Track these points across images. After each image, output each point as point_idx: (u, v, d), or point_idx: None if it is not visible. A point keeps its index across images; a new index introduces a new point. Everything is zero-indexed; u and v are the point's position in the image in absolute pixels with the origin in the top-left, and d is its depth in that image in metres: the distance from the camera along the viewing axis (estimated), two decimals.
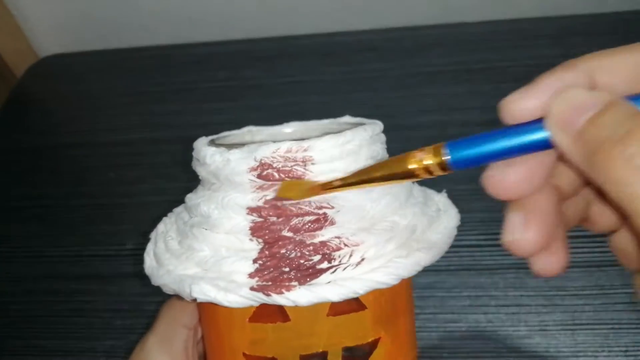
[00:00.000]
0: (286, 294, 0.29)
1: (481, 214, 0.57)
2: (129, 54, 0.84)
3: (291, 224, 0.31)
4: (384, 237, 0.31)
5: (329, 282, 0.30)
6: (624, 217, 0.28)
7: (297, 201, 0.31)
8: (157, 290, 0.34)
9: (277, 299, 0.29)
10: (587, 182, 0.27)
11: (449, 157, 0.24)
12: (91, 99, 0.80)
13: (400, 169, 0.25)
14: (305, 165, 0.31)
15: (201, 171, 0.35)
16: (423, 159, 0.24)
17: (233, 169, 0.32)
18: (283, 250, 0.31)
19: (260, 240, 0.31)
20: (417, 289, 0.54)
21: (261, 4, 0.81)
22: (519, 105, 0.23)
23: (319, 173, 0.31)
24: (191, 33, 0.83)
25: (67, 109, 0.79)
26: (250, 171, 0.32)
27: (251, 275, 0.30)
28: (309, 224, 0.31)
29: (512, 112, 0.23)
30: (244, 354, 0.33)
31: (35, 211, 0.67)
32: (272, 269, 0.30)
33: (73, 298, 0.59)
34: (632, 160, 0.19)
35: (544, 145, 0.22)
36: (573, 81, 0.23)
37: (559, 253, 0.26)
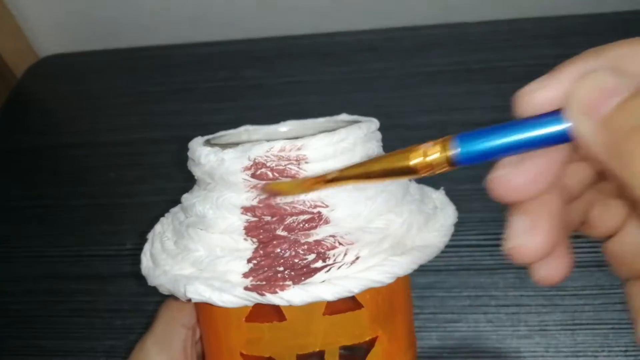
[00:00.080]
0: (280, 293, 0.29)
1: (481, 214, 0.57)
2: (129, 54, 0.84)
3: (285, 223, 0.31)
4: (379, 235, 0.31)
5: (323, 281, 0.30)
6: (627, 217, 0.26)
7: (291, 200, 0.31)
8: (157, 290, 0.34)
9: (271, 298, 0.29)
10: (594, 182, 0.26)
11: (458, 150, 0.22)
12: (91, 99, 0.80)
13: (402, 164, 0.23)
14: (299, 164, 0.31)
15: (196, 171, 0.35)
16: (428, 153, 0.23)
17: (227, 169, 0.32)
18: (277, 250, 0.31)
19: (254, 239, 0.31)
20: (416, 289, 0.54)
21: (261, 3, 0.80)
22: (537, 95, 0.21)
23: (312, 172, 0.31)
24: (191, 33, 0.83)
25: (67, 109, 0.79)
26: (244, 170, 0.32)
27: (245, 275, 0.30)
28: (304, 223, 0.31)
29: (530, 103, 0.22)
30: (241, 354, 0.33)
31: (35, 211, 0.67)
32: (266, 269, 0.30)
33: (73, 298, 0.59)
34: None
35: (561, 139, 0.21)
36: (598, 69, 0.20)
37: (563, 259, 0.24)
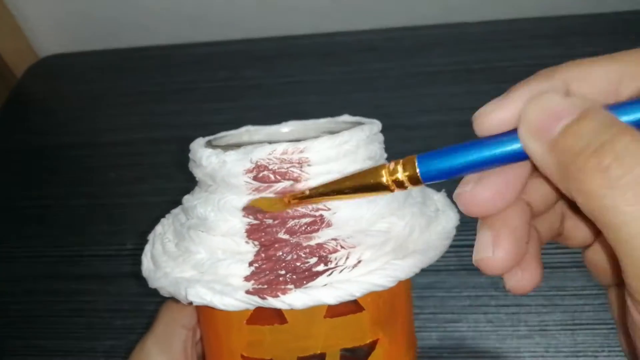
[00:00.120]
0: (282, 297, 0.29)
1: None
2: (129, 54, 0.84)
3: (287, 226, 0.31)
4: (380, 238, 0.31)
5: (325, 285, 0.30)
6: (597, 230, 0.27)
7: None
8: (157, 290, 0.34)
9: (272, 302, 0.29)
10: (561, 196, 0.26)
11: (420, 170, 0.23)
12: (91, 99, 0.80)
13: (372, 180, 0.25)
14: (301, 167, 0.31)
15: (198, 173, 0.35)
16: (395, 172, 0.24)
17: (229, 171, 0.32)
18: (279, 253, 0.31)
19: (256, 242, 0.31)
20: (416, 289, 0.54)
21: (261, 3, 0.80)
22: (492, 116, 0.22)
23: (315, 174, 0.31)
24: (191, 33, 0.83)
25: (67, 109, 0.79)
26: (246, 173, 0.31)
27: (247, 279, 0.30)
28: (305, 226, 0.31)
29: (485, 124, 0.22)
30: (242, 356, 0.33)
31: (35, 211, 0.67)
32: (267, 272, 0.30)
33: (73, 298, 0.59)
34: (607, 172, 0.18)
35: (518, 156, 0.22)
36: (549, 91, 0.21)
37: (532, 270, 0.25)
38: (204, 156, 0.33)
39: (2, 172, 0.72)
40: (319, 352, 0.32)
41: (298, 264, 0.30)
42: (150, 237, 0.38)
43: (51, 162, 0.72)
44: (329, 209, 0.31)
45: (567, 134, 0.20)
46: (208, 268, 0.31)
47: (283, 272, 0.30)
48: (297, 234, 0.31)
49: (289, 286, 0.30)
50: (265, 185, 0.31)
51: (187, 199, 0.36)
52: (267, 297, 0.29)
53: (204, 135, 0.38)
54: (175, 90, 0.77)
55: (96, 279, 0.60)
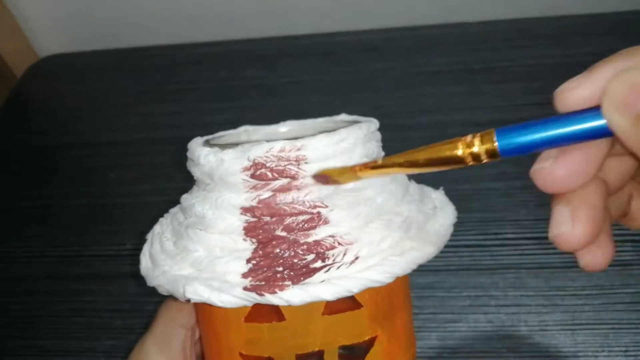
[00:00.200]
0: (279, 293, 0.29)
1: (481, 214, 0.57)
2: (129, 54, 0.84)
3: (285, 223, 0.31)
4: (378, 235, 0.31)
5: (322, 281, 0.30)
6: None
7: (291, 200, 0.31)
8: (156, 289, 0.34)
9: (270, 298, 0.29)
10: (634, 175, 0.27)
11: (496, 143, 0.23)
12: (91, 99, 0.80)
13: (448, 153, 0.24)
14: (298, 165, 0.31)
15: (195, 172, 0.35)
16: (472, 145, 0.24)
17: (227, 169, 0.32)
18: (277, 250, 0.31)
19: (253, 240, 0.31)
20: (416, 289, 0.54)
21: (261, 3, 0.80)
22: (574, 93, 0.22)
23: (312, 172, 0.31)
24: (192, 33, 0.83)
25: (67, 109, 0.79)
26: (243, 171, 0.32)
27: (244, 275, 0.30)
28: (303, 223, 0.31)
29: (567, 100, 0.22)
30: (241, 354, 0.33)
31: (35, 211, 0.67)
32: (265, 269, 0.30)
33: (73, 298, 0.59)
34: None
35: (599, 133, 0.21)
36: (633, 67, 0.21)
37: (606, 247, 0.25)
38: (202, 155, 0.33)
39: (2, 172, 0.72)
40: (317, 349, 0.32)
41: (295, 260, 0.30)
42: (149, 236, 0.38)
43: (51, 162, 0.72)
44: (326, 206, 0.31)
45: None
46: (206, 265, 0.32)
47: (280, 268, 0.30)
48: (295, 231, 0.31)
49: (287, 283, 0.30)
50: (263, 182, 0.31)
51: (185, 197, 0.36)
52: (265, 294, 0.29)
53: (204, 135, 0.38)
54: (175, 90, 0.77)
55: (96, 279, 0.60)
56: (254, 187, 0.32)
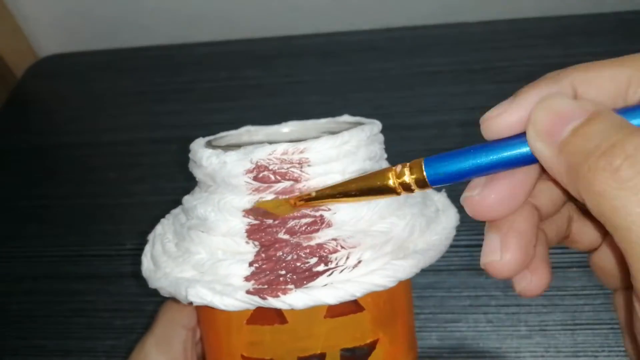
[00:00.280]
0: (282, 297, 0.29)
1: None
2: (129, 54, 0.84)
3: (287, 226, 0.31)
4: (381, 239, 0.31)
5: (325, 285, 0.30)
6: (604, 233, 0.27)
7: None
8: (157, 290, 0.34)
9: (273, 302, 0.29)
10: (569, 198, 0.26)
11: (427, 173, 0.23)
12: (91, 99, 0.80)
13: (379, 183, 0.25)
14: (301, 167, 0.31)
15: (198, 173, 0.35)
16: (402, 175, 0.24)
17: (229, 172, 0.32)
18: (279, 253, 0.31)
19: (256, 242, 0.31)
20: (416, 289, 0.54)
21: (261, 3, 0.80)
22: (500, 120, 0.22)
23: (315, 175, 0.31)
24: (192, 33, 0.83)
25: (67, 108, 0.79)
26: (246, 173, 0.31)
27: (247, 279, 0.30)
28: (306, 226, 0.31)
29: (493, 127, 0.22)
30: (242, 356, 0.33)
31: (35, 211, 0.67)
32: (268, 272, 0.30)
33: (73, 298, 0.59)
34: (617, 173, 0.18)
35: (526, 160, 0.22)
36: (556, 93, 0.21)
37: (540, 273, 0.25)
38: (204, 156, 0.33)
39: (2, 172, 0.72)
40: (319, 352, 0.32)
41: (298, 264, 0.30)
42: (150, 237, 0.38)
43: (51, 162, 0.72)
44: (329, 209, 0.31)
45: (576, 135, 0.20)
46: (208, 268, 0.31)
47: (283, 272, 0.30)
48: (298, 234, 0.31)
49: (290, 286, 0.30)
50: (266, 185, 0.31)
51: (187, 199, 0.36)
52: (268, 297, 0.29)
53: (204, 135, 0.38)
54: (175, 90, 0.77)
55: (96, 279, 0.60)
56: (257, 190, 0.32)
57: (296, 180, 0.31)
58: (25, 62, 0.86)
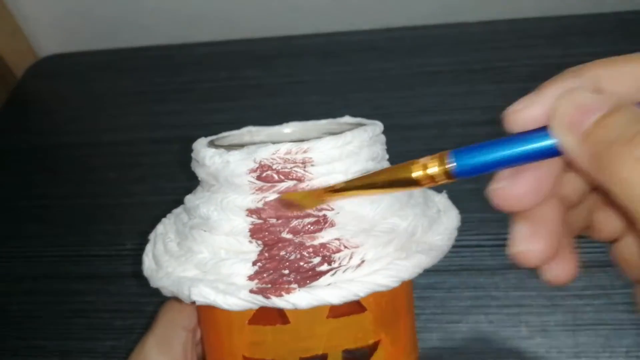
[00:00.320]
0: (286, 296, 0.29)
1: (482, 214, 0.56)
2: (129, 54, 0.84)
3: (291, 225, 0.31)
4: (384, 239, 0.31)
5: (328, 285, 0.30)
6: (629, 221, 0.27)
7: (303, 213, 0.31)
8: (158, 290, 0.34)
9: (276, 301, 0.29)
10: (592, 189, 0.27)
11: (454, 164, 0.24)
12: (91, 98, 0.80)
13: (404, 175, 0.25)
14: (304, 167, 0.31)
15: (200, 172, 0.35)
16: (427, 167, 0.24)
17: (232, 171, 0.32)
18: (282, 252, 0.31)
19: (259, 242, 0.31)
20: (417, 289, 0.54)
21: (261, 3, 0.80)
22: (524, 114, 0.23)
23: (318, 175, 0.31)
24: (192, 33, 0.83)
25: (67, 108, 0.79)
26: (249, 173, 0.31)
27: (250, 278, 0.30)
28: (309, 226, 0.31)
29: (517, 120, 0.23)
30: (244, 357, 0.33)
31: (35, 211, 0.67)
32: (271, 271, 0.30)
33: (73, 298, 0.59)
34: None
35: (550, 152, 0.22)
36: (578, 87, 0.22)
37: (568, 261, 0.26)
38: (207, 156, 0.33)
39: (2, 172, 0.72)
40: (321, 352, 0.32)
41: (301, 263, 0.30)
42: (152, 236, 0.38)
43: (51, 162, 0.72)
44: (332, 209, 0.31)
45: (599, 126, 0.20)
46: (211, 267, 0.31)
47: (287, 271, 0.30)
48: (301, 234, 0.31)
49: (293, 286, 0.30)
50: (269, 185, 0.31)
51: (189, 198, 0.36)
52: (271, 297, 0.29)
53: (204, 135, 0.37)
54: (175, 90, 0.77)
55: (96, 279, 0.60)
56: (260, 189, 0.32)
57: (299, 180, 0.31)
58: (25, 62, 0.86)
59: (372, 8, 0.80)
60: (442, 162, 0.24)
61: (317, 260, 0.30)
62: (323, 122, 0.40)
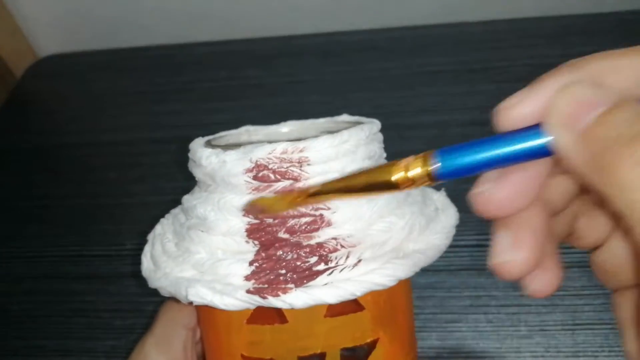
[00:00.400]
0: (282, 296, 0.29)
1: None
2: (129, 54, 0.84)
3: (287, 225, 0.31)
4: (381, 238, 0.31)
5: (325, 284, 0.30)
6: (620, 226, 0.26)
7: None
8: (157, 290, 0.34)
9: (273, 301, 0.29)
10: (580, 193, 0.26)
11: (438, 165, 0.22)
12: (91, 98, 0.80)
13: (382, 178, 0.23)
14: (301, 166, 0.31)
15: (197, 173, 0.35)
16: (409, 168, 0.23)
17: (229, 171, 0.32)
18: (279, 252, 0.31)
19: (256, 242, 0.31)
20: (416, 289, 0.54)
21: (261, 3, 0.81)
22: (516, 110, 0.21)
23: (315, 174, 0.31)
24: (192, 33, 0.84)
25: (67, 109, 0.79)
26: (246, 172, 0.31)
27: (247, 278, 0.30)
28: (306, 226, 0.31)
29: (508, 118, 0.21)
30: (242, 356, 0.33)
31: (35, 211, 0.67)
32: (268, 271, 0.30)
33: (73, 298, 0.59)
34: None
35: (542, 153, 0.21)
36: (578, 81, 0.20)
37: (551, 271, 0.24)
38: (204, 156, 0.33)
39: (2, 172, 0.72)
40: (319, 351, 0.32)
41: (298, 263, 0.30)
42: (150, 237, 0.38)
43: (51, 162, 0.72)
44: (329, 208, 0.31)
45: (599, 125, 0.19)
46: (208, 268, 0.31)
47: (283, 271, 0.30)
48: (297, 233, 0.31)
49: (290, 285, 0.30)
50: (265, 184, 0.31)
51: (186, 199, 0.36)
52: (268, 297, 0.29)
53: (204, 135, 0.38)
54: (175, 90, 0.77)
55: (96, 279, 0.60)
56: (257, 189, 0.32)
57: (296, 180, 0.31)
58: (25, 62, 0.86)
59: (372, 8, 0.80)
60: (425, 163, 0.22)
61: (314, 259, 0.30)
62: (321, 120, 0.40)
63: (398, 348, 0.34)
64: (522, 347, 0.50)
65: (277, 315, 0.31)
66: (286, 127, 0.41)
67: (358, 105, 0.70)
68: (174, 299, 0.34)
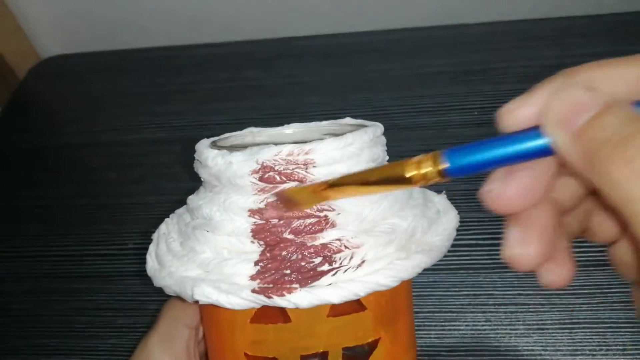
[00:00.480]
0: (287, 296, 0.30)
1: (479, 213, 0.57)
2: (130, 55, 0.84)
3: (292, 226, 0.31)
4: (384, 239, 0.32)
5: (329, 284, 0.30)
6: (622, 223, 0.27)
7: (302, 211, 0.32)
8: (159, 289, 0.34)
9: (278, 301, 0.30)
10: (589, 193, 0.27)
11: (447, 164, 0.23)
12: (92, 99, 0.80)
13: (397, 173, 0.25)
14: (306, 168, 0.32)
15: (203, 173, 0.35)
16: (421, 166, 0.24)
17: (235, 172, 0.32)
18: (284, 253, 0.31)
19: (261, 242, 0.32)
20: (415, 288, 0.54)
21: (261, 5, 0.81)
22: (517, 113, 0.23)
23: (320, 176, 0.32)
24: (192, 34, 0.84)
25: (68, 109, 0.80)
26: (252, 174, 0.32)
27: (253, 278, 0.31)
28: (310, 226, 0.31)
29: (510, 120, 0.23)
30: (246, 354, 0.33)
31: (36, 211, 0.68)
32: (273, 271, 0.31)
33: (75, 297, 0.59)
34: (631, 162, 0.18)
35: (544, 151, 0.22)
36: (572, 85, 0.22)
37: (564, 264, 0.25)
38: (210, 157, 0.33)
39: (3, 172, 0.73)
40: (321, 350, 0.32)
41: (303, 263, 0.31)
42: (155, 236, 0.38)
43: (53, 162, 0.73)
44: (333, 210, 0.32)
45: (591, 125, 0.20)
46: (214, 267, 0.32)
47: (288, 271, 0.31)
48: (302, 234, 0.31)
49: (294, 285, 0.30)
50: (271, 186, 0.32)
51: (191, 199, 0.36)
52: (273, 296, 0.30)
53: (204, 136, 0.38)
54: (176, 91, 0.77)
55: (98, 278, 0.60)
56: (262, 190, 0.32)
57: (301, 181, 0.32)
58: (27, 63, 0.86)
59: (372, 10, 0.81)
60: (435, 162, 0.24)
61: (318, 260, 0.31)
62: (324, 123, 0.40)
63: (399, 347, 0.34)
64: (520, 346, 0.51)
65: (281, 314, 0.32)
66: (290, 129, 0.41)
67: (358, 107, 0.71)
68: (178, 298, 0.35)
